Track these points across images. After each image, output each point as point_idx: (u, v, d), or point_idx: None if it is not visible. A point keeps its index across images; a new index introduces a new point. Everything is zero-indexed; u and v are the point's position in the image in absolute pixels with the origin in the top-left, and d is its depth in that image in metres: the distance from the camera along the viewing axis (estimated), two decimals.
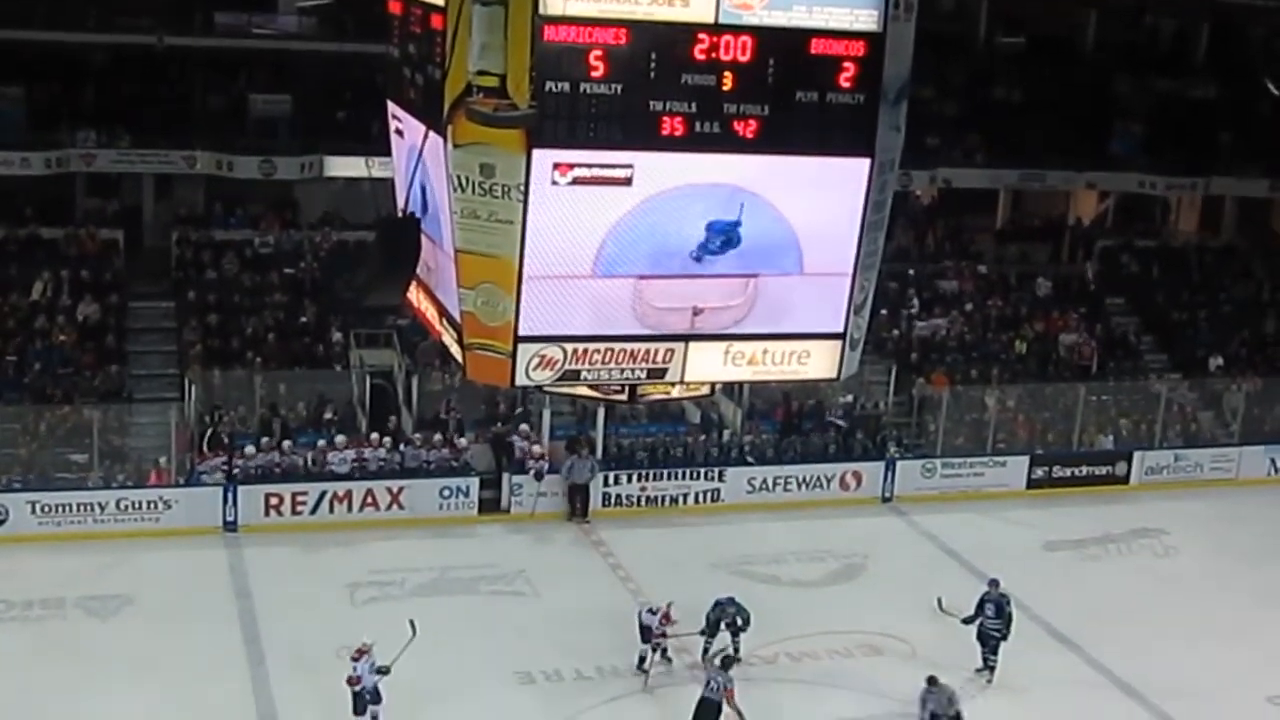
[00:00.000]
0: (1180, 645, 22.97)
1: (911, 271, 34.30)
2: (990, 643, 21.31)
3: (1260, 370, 33.45)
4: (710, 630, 20.91)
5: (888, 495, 29.24)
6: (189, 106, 32.50)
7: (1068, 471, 30.62)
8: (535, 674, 21.14)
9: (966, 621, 21.38)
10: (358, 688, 18.49)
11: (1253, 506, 29.95)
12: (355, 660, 18.72)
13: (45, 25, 32.91)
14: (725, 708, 18.46)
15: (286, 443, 26.80)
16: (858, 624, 23.22)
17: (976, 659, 21.46)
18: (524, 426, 28.12)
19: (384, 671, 18.53)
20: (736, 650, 20.57)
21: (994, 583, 21.75)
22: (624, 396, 16.02)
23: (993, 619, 21.25)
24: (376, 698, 18.57)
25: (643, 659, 20.93)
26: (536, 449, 27.88)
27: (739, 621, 20.82)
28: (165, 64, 33.21)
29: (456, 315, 14.61)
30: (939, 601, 21.62)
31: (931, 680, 18.55)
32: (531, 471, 27.32)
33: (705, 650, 21.03)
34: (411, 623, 19.22)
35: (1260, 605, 24.91)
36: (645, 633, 20.82)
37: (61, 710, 19.24)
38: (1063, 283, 35.92)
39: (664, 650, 21.05)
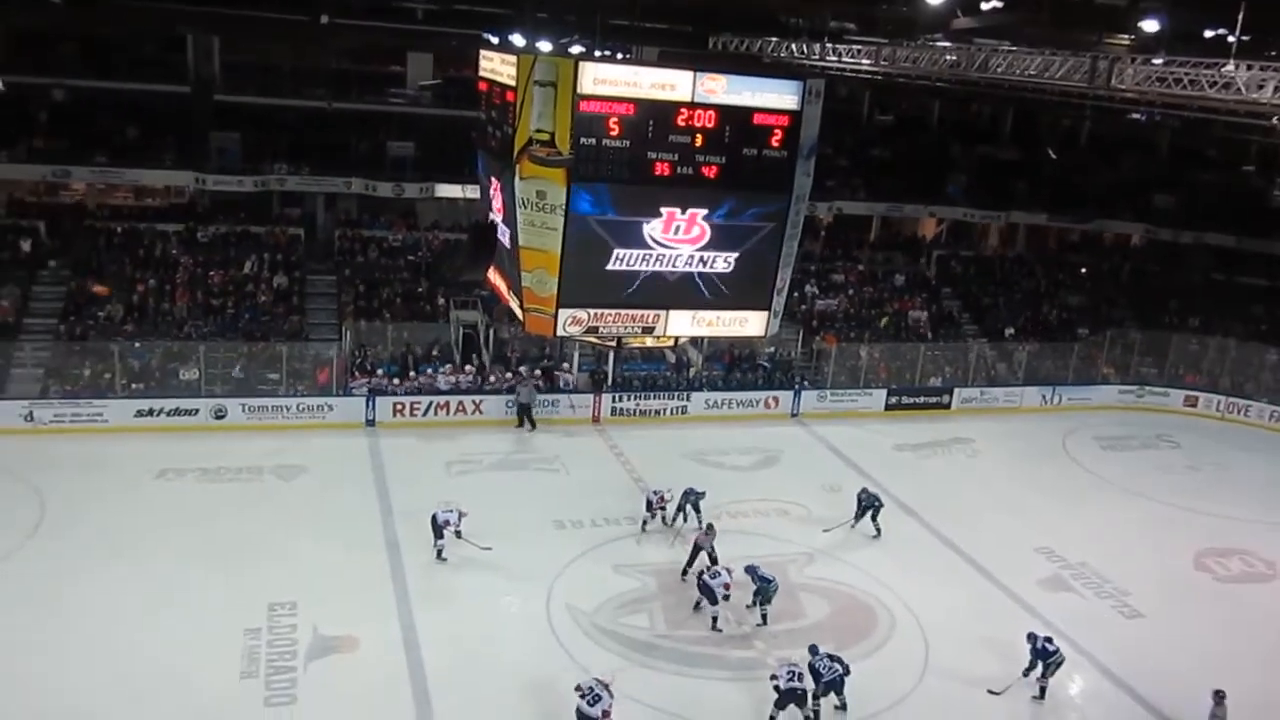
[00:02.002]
0: (981, 515, 23.08)
1: (814, 267, 34.15)
2: (873, 516, 21.49)
3: (1037, 337, 33.38)
4: (680, 509, 20.88)
5: (795, 413, 29.20)
6: (347, 148, 32.26)
7: (911, 400, 30.61)
8: (565, 522, 21.20)
9: (858, 518, 21.60)
10: (442, 525, 18.96)
11: (1030, 426, 29.97)
12: (448, 513, 19.07)
13: (255, 93, 32.75)
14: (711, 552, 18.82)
15: (412, 373, 26.85)
16: (773, 495, 23.29)
17: (850, 521, 21.63)
18: (565, 365, 28.15)
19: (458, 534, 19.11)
20: (699, 517, 20.56)
21: (864, 490, 21.93)
22: (614, 344, 16.05)
23: (868, 508, 21.49)
24: (441, 534, 19.02)
25: (645, 522, 20.91)
26: (568, 374, 27.91)
27: (696, 500, 20.85)
28: (333, 120, 32.94)
29: (519, 289, 14.56)
30: (825, 530, 21.52)
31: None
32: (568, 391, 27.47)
33: (671, 521, 20.95)
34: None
35: (1032, 490, 25.00)
36: (649, 505, 20.82)
37: (262, 540, 19.40)
38: (912, 278, 35.79)
39: (663, 518, 20.92)
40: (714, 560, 18.80)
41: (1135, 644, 18.15)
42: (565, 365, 28.01)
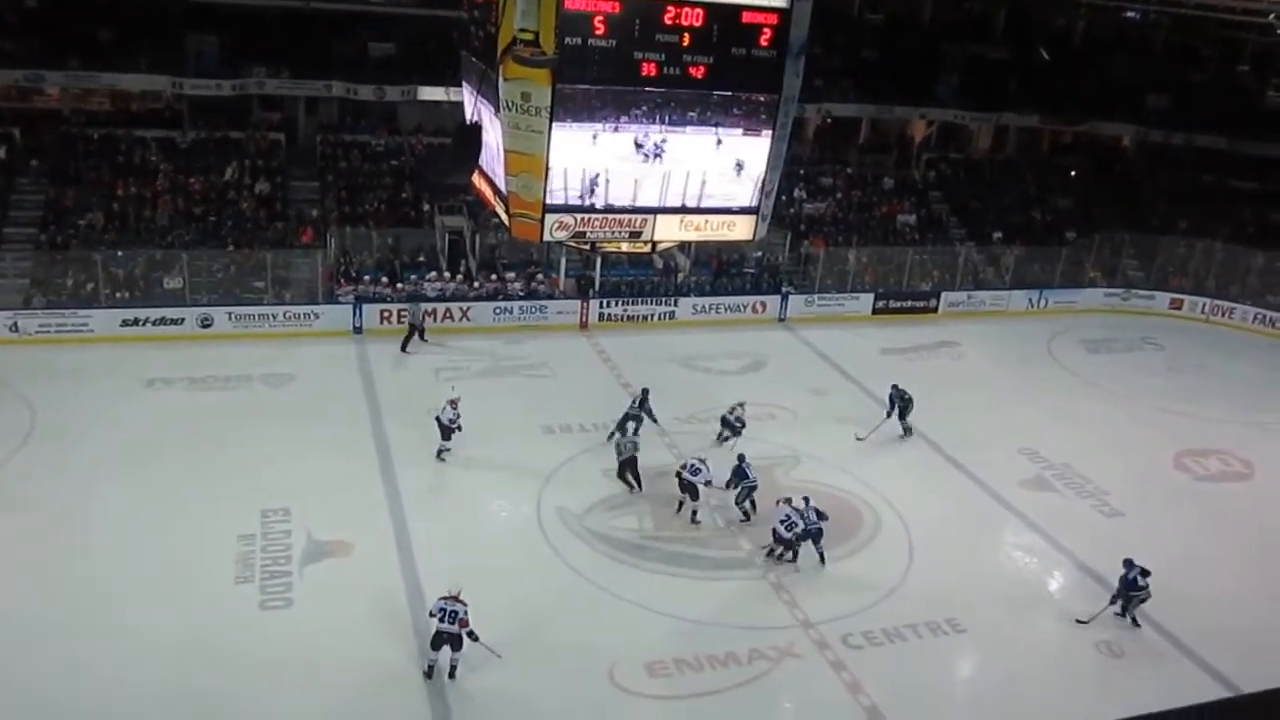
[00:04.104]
0: (966, 417, 23.32)
1: (802, 170, 33.83)
2: (902, 414, 21.98)
3: (1024, 241, 33.34)
4: (620, 426, 20.36)
5: (782, 317, 29.27)
6: (328, 50, 31.45)
7: (898, 303, 30.67)
8: (554, 427, 21.35)
9: (889, 415, 22.10)
10: (449, 425, 19.34)
11: (1016, 329, 30.18)
12: (452, 406, 19.46)
13: None
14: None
15: (399, 284, 26.69)
16: (761, 399, 23.38)
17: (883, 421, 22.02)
18: (511, 275, 27.99)
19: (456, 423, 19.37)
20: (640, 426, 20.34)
21: (895, 386, 22.31)
22: (588, 248, 15.87)
23: (900, 403, 21.98)
24: (449, 433, 19.32)
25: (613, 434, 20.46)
26: (559, 281, 27.84)
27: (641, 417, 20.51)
28: (313, 21, 32.02)
29: (505, 193, 14.38)
30: (859, 438, 21.87)
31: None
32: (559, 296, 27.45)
33: (612, 434, 20.35)
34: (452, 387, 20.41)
35: (1016, 392, 25.26)
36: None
37: (253, 447, 19.45)
38: (901, 181, 35.51)
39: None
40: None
41: (1114, 542, 18.45)
42: (511, 275, 27.75)
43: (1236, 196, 35.27)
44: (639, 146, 13.90)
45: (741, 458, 18.40)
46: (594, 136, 13.45)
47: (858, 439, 21.74)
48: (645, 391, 21.04)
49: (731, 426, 20.71)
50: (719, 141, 14.46)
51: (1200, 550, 18.51)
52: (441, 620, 13.54)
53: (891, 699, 14.04)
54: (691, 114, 13.88)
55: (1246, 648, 15.61)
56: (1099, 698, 14.21)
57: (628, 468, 18.85)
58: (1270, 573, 17.97)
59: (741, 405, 20.90)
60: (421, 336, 25.47)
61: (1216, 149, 35.45)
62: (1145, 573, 15.83)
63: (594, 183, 14.03)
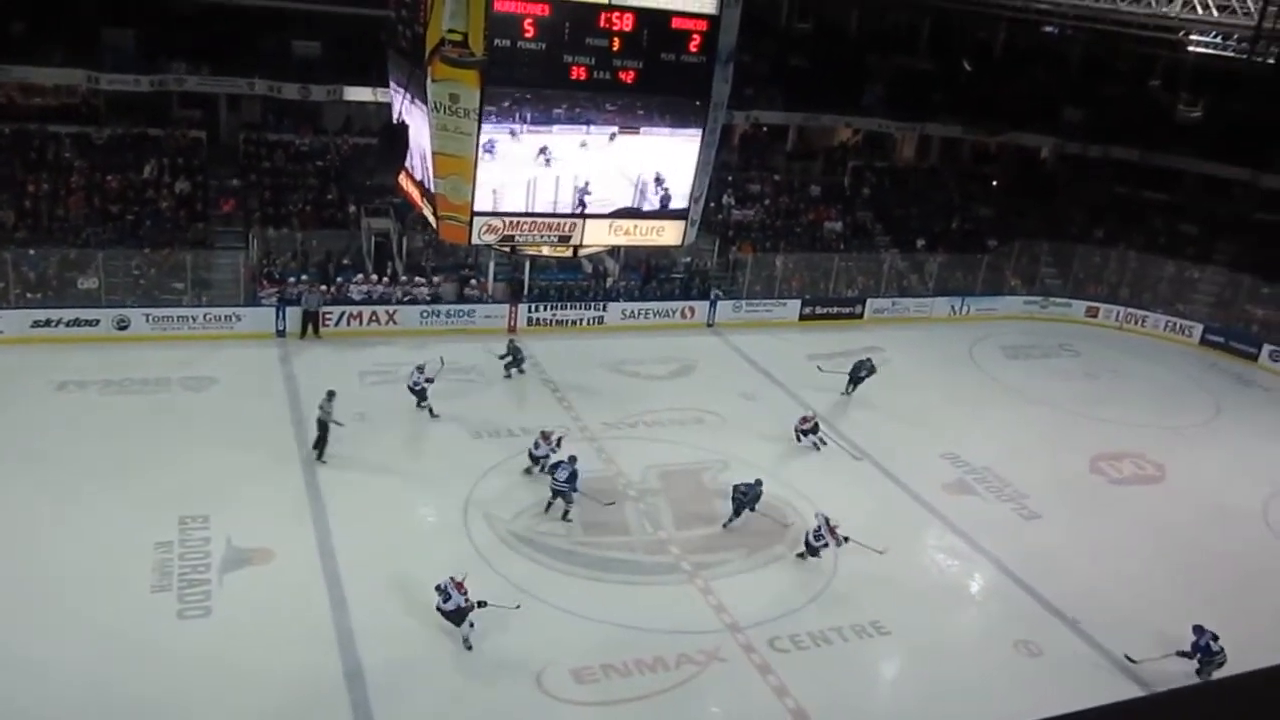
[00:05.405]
0: (890, 422, 23.61)
1: (731, 177, 34.02)
2: (858, 381, 24.49)
3: (947, 249, 33.94)
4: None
5: (711, 322, 29.38)
6: (251, 47, 30.78)
7: (825, 310, 31.00)
8: (483, 432, 21.14)
9: (851, 384, 24.53)
10: (418, 387, 21.22)
11: (940, 335, 30.65)
12: (420, 371, 21.20)
13: None
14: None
15: (328, 287, 26.17)
16: (689, 403, 23.48)
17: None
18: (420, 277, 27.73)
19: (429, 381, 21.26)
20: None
21: (870, 359, 24.81)
22: (509, 249, 15.77)
23: (866, 371, 24.50)
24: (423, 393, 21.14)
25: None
26: (488, 285, 27.60)
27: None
28: (235, 16, 31.31)
29: (433, 194, 14.22)
30: (819, 368, 25.30)
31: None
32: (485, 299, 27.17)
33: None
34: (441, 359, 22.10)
35: (940, 397, 25.63)
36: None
37: (171, 452, 18.91)
38: (827, 188, 35.92)
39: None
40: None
41: (1032, 543, 18.92)
42: (437, 279, 27.42)
43: (1148, 207, 36.37)
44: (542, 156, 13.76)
45: (573, 459, 18.00)
46: (501, 138, 13.33)
47: (819, 369, 24.53)
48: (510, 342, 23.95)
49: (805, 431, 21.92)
50: (614, 137, 14.41)
51: (1113, 550, 19.01)
52: (439, 595, 14.41)
53: (818, 702, 14.15)
54: (619, 118, 13.85)
55: (1155, 643, 16.02)
56: (1020, 696, 14.48)
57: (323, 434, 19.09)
58: (1178, 571, 18.53)
59: (814, 418, 22.04)
60: (315, 330, 25.17)
61: (1130, 161, 36.51)
62: (1215, 637, 15.23)
63: (584, 192, 13.99)
